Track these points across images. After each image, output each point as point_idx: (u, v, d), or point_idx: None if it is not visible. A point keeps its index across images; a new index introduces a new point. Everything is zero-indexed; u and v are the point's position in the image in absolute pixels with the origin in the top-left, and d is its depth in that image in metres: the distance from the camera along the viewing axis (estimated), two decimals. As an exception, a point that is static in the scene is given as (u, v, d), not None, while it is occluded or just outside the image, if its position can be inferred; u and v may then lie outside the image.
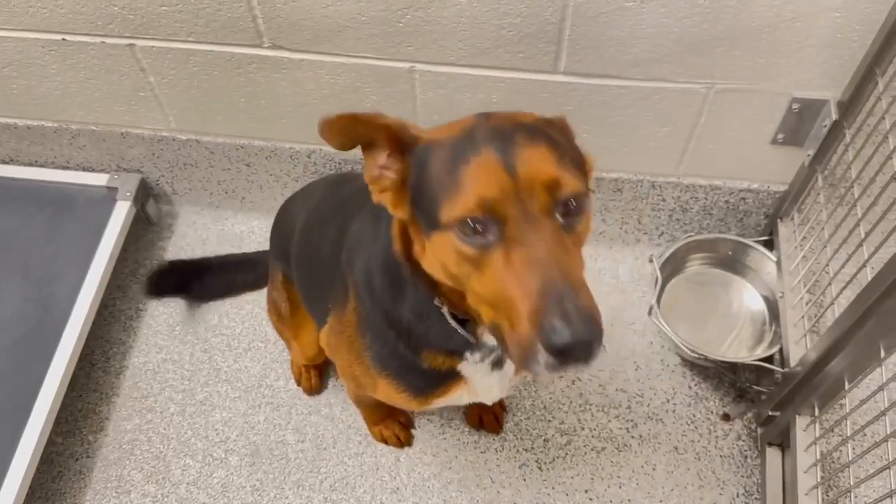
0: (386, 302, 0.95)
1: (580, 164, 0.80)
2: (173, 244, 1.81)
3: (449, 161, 0.74)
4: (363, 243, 1.00)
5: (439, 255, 0.77)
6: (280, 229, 1.40)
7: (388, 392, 1.06)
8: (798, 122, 1.40)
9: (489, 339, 0.94)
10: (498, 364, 0.99)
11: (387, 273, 0.94)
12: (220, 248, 1.79)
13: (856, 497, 1.31)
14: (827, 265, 1.38)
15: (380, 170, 0.82)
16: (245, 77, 1.46)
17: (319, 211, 1.22)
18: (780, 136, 1.43)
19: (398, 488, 1.46)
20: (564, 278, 0.68)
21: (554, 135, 0.78)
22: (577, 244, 0.76)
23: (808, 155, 1.42)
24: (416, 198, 0.79)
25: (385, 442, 1.50)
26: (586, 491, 1.45)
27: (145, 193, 1.76)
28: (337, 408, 1.56)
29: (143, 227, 1.83)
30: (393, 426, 1.49)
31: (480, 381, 1.02)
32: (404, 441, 1.50)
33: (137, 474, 1.50)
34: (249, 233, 1.81)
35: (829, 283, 1.34)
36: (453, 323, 0.91)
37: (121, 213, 1.68)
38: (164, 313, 1.70)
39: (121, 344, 1.67)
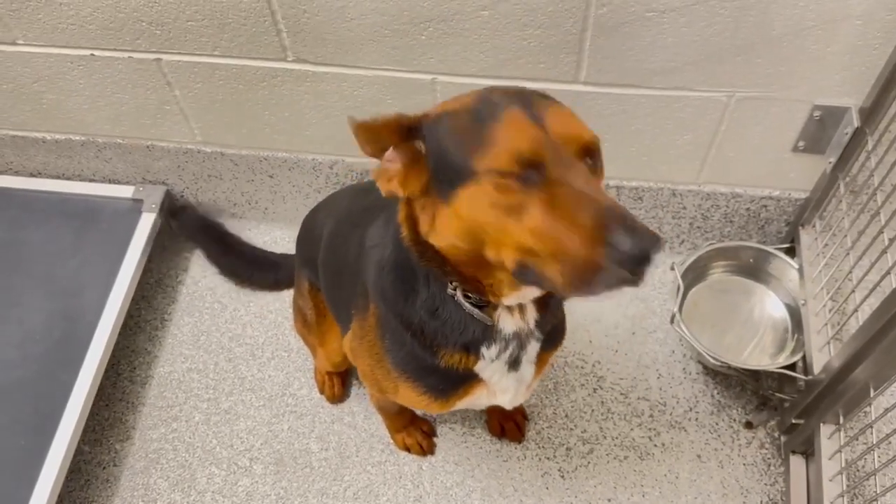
0: (399, 303, 0.96)
1: None
2: (197, 255, 1.83)
3: (472, 122, 0.77)
4: (376, 247, 1.02)
5: (465, 213, 0.78)
6: (306, 238, 1.41)
7: (409, 395, 1.07)
8: (820, 129, 1.40)
9: (506, 324, 0.95)
10: (514, 365, 1.00)
11: (397, 273, 0.95)
12: (243, 258, 1.81)
13: (883, 505, 1.30)
14: (850, 272, 1.38)
15: (385, 163, 0.83)
16: (269, 90, 1.48)
17: (346, 219, 1.23)
18: (802, 143, 1.44)
19: (421, 497, 1.47)
20: (608, 202, 0.71)
21: None
22: None
23: (830, 162, 1.42)
24: (435, 164, 0.80)
25: (408, 450, 1.51)
26: (609, 500, 1.45)
27: (170, 205, 1.78)
28: (360, 416, 1.57)
29: (169, 238, 1.85)
30: (415, 434, 1.50)
31: (498, 383, 1.03)
32: (427, 449, 1.51)
33: (163, 483, 1.52)
34: (272, 243, 1.83)
35: (853, 291, 1.34)
36: (467, 306, 0.91)
37: (146, 224, 1.70)
38: (189, 323, 1.72)
39: (146, 354, 1.69)
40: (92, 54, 1.47)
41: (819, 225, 1.55)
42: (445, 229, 0.81)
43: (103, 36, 1.43)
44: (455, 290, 0.90)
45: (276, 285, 1.74)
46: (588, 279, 0.71)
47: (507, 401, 1.09)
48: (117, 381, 1.65)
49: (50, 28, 1.42)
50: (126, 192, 1.76)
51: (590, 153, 0.79)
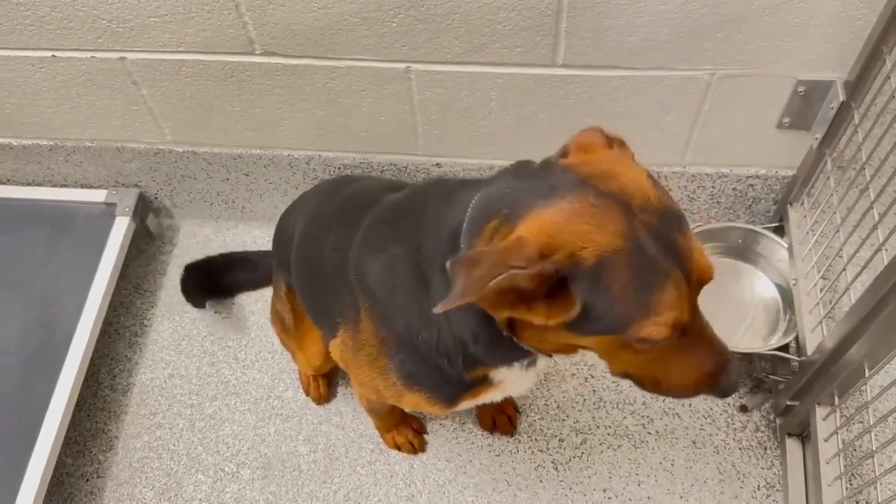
0: (427, 330, 0.92)
1: None
2: (175, 257, 1.79)
3: (633, 283, 0.73)
4: (383, 262, 0.95)
5: (597, 348, 0.83)
6: (280, 240, 1.37)
7: (417, 402, 1.04)
8: (804, 104, 1.36)
9: None
10: (532, 363, 0.98)
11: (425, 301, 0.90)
12: (222, 259, 1.77)
13: (882, 486, 1.28)
14: (840, 250, 1.35)
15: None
16: (239, 85, 1.44)
17: (316, 219, 1.19)
18: (787, 120, 1.40)
19: (413, 496, 1.44)
20: (721, 346, 0.83)
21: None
22: None
23: (816, 138, 1.39)
24: (585, 311, 0.75)
25: (398, 449, 1.48)
26: (604, 490, 1.42)
27: (144, 208, 1.74)
28: (347, 416, 1.54)
29: (145, 242, 1.81)
30: (406, 432, 1.47)
31: (515, 382, 1.02)
32: (418, 447, 1.48)
33: (149, 492, 1.48)
34: (252, 242, 1.79)
35: (844, 268, 1.31)
36: (527, 346, 0.88)
37: (120, 228, 1.66)
38: (169, 328, 1.68)
39: (127, 361, 1.65)
40: (53, 55, 1.43)
41: (807, 202, 1.52)
42: (556, 348, 0.86)
43: (63, 36, 1.38)
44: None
45: (256, 284, 1.70)
46: (681, 398, 0.91)
47: (517, 392, 1.11)
48: (98, 390, 1.61)
49: (7, 30, 1.38)
50: (98, 196, 1.72)
51: None
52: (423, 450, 1.49)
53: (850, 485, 1.27)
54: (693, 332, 0.80)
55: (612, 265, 0.73)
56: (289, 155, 1.60)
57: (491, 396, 1.06)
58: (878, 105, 1.25)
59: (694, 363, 0.82)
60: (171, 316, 1.70)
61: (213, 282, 1.67)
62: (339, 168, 1.62)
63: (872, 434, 1.17)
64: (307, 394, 1.56)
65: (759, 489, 1.41)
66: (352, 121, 1.49)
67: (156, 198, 1.77)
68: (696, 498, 1.41)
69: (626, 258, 0.73)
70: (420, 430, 1.50)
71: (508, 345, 0.87)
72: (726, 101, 1.38)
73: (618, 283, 0.73)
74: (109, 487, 1.49)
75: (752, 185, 1.56)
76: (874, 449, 1.13)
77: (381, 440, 1.50)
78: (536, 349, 0.88)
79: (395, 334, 0.97)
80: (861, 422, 1.38)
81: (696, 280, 0.77)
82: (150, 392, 1.60)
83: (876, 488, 1.19)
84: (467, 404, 1.07)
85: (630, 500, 1.41)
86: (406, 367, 1.00)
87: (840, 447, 1.24)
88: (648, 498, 1.41)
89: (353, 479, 1.47)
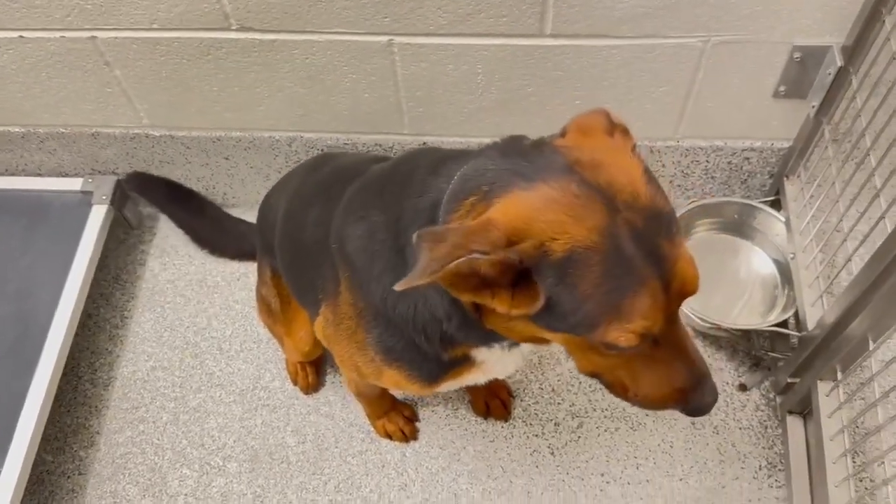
0: (403, 304, 0.88)
1: None
2: (155, 247, 1.73)
3: (603, 284, 0.69)
4: (363, 229, 0.91)
5: (565, 345, 0.79)
6: (263, 225, 1.33)
7: (397, 380, 1.00)
8: (800, 72, 1.32)
9: None
10: (514, 344, 0.93)
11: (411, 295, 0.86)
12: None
13: (889, 463, 1.25)
14: (840, 222, 1.31)
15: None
16: (215, 64, 1.38)
17: (300, 196, 1.15)
18: (783, 88, 1.36)
19: (406, 484, 1.40)
20: (699, 363, 0.78)
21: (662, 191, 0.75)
22: None
23: (813, 106, 1.35)
24: (551, 306, 0.71)
25: (389, 437, 1.44)
26: (602, 474, 1.38)
27: (122, 196, 1.68)
28: (336, 405, 1.49)
29: (124, 232, 1.75)
30: (397, 419, 1.43)
31: (497, 363, 0.98)
32: (409, 435, 1.44)
33: (133, 488, 1.43)
34: (234, 230, 1.74)
35: (844, 241, 1.28)
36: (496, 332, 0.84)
37: (97, 217, 1.61)
38: (150, 319, 1.63)
39: (107, 354, 1.60)
40: (20, 36, 1.37)
41: (804, 175, 1.48)
42: (524, 338, 0.83)
43: (30, 15, 1.32)
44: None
45: (247, 255, 1.65)
46: (656, 409, 0.83)
47: (503, 374, 1.08)
48: (78, 385, 1.56)
49: (-30, 9, 1.32)
50: (74, 184, 1.66)
51: None
52: (414, 438, 1.45)
53: (855, 462, 1.24)
54: (668, 343, 0.76)
55: (583, 262, 0.68)
56: (270, 136, 1.54)
57: (474, 378, 1.02)
58: (878, 70, 1.21)
59: (665, 376, 0.78)
60: (153, 307, 1.65)
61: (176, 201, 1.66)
62: (321, 149, 1.57)
63: (878, 409, 1.13)
64: (295, 383, 1.51)
65: (760, 469, 1.37)
66: (333, 98, 1.44)
67: (133, 185, 1.72)
68: (696, 479, 1.37)
69: (600, 256, 0.68)
70: (412, 418, 1.45)
71: (479, 326, 0.82)
72: (721, 70, 1.34)
73: (587, 281, 0.68)
74: (91, 484, 1.44)
75: (747, 159, 1.52)
76: (881, 424, 1.09)
77: (371, 429, 1.45)
78: (504, 336, 0.83)
79: (372, 306, 0.93)
80: (864, 398, 1.35)
81: (676, 290, 0.72)
82: (132, 385, 1.55)
83: (882, 465, 1.16)
84: (451, 385, 1.02)
85: (629, 483, 1.37)
86: (384, 341, 0.95)
87: (844, 424, 1.21)
88: (647, 481, 1.38)
89: (343, 470, 1.42)
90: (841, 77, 1.28)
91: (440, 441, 1.44)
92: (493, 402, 1.45)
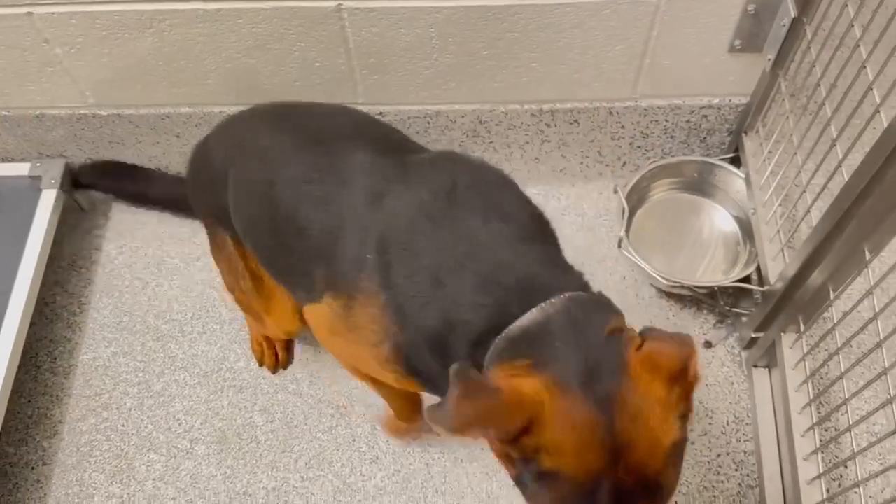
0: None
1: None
2: (110, 230, 1.69)
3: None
4: (414, 287, 0.87)
5: None
6: (204, 182, 1.21)
7: (407, 385, 1.00)
8: (755, 24, 1.32)
9: None
10: None
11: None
12: (162, 229, 1.68)
13: (850, 410, 1.27)
14: (798, 175, 1.32)
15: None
16: (159, 37, 1.34)
17: (272, 161, 1.04)
18: (738, 42, 1.36)
19: (377, 457, 1.39)
20: None
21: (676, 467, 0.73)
22: None
23: (769, 59, 1.35)
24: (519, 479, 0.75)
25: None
26: (573, 437, 1.39)
27: (72, 179, 1.63)
28: (304, 383, 1.48)
29: (77, 216, 1.70)
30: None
31: None
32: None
33: (99, 476, 1.41)
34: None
35: (803, 193, 1.28)
36: None
37: (48, 202, 1.55)
38: (109, 304, 1.59)
39: (66, 342, 1.56)
40: (-49, 15, 1.31)
41: (762, 130, 1.48)
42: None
43: (-41, -9, 1.27)
44: None
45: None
46: None
47: None
48: (37, 374, 1.52)
49: None
50: (22, 169, 1.60)
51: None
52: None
53: (819, 412, 1.25)
54: None
55: (558, 482, 0.70)
56: (220, 112, 1.50)
57: None
58: (831, 19, 1.20)
59: None
60: (111, 292, 1.61)
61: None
62: (276, 123, 1.53)
63: (840, 358, 1.14)
64: (261, 363, 1.49)
65: (728, 424, 1.39)
66: (283, 69, 1.40)
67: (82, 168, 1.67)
68: (665, 437, 1.38)
69: (573, 491, 0.70)
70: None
71: None
72: (676, 26, 1.32)
73: (551, 497, 0.71)
74: (57, 474, 1.41)
75: (705, 116, 1.52)
76: (842, 372, 1.11)
77: (338, 405, 1.44)
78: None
79: (402, 320, 0.89)
80: (826, 349, 1.36)
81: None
82: (93, 372, 1.52)
83: (846, 413, 1.17)
84: None
85: (599, 444, 1.38)
86: (410, 362, 0.92)
87: (808, 374, 1.22)
88: (618, 441, 1.38)
89: (314, 446, 1.41)
90: (795, 28, 1.27)
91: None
92: None
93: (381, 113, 1.50)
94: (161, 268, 1.63)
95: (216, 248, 1.31)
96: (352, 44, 1.34)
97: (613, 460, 0.70)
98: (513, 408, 0.70)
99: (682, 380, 0.73)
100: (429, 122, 1.51)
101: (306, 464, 1.39)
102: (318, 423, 1.43)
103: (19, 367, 1.39)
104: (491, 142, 1.57)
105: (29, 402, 1.49)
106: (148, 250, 1.65)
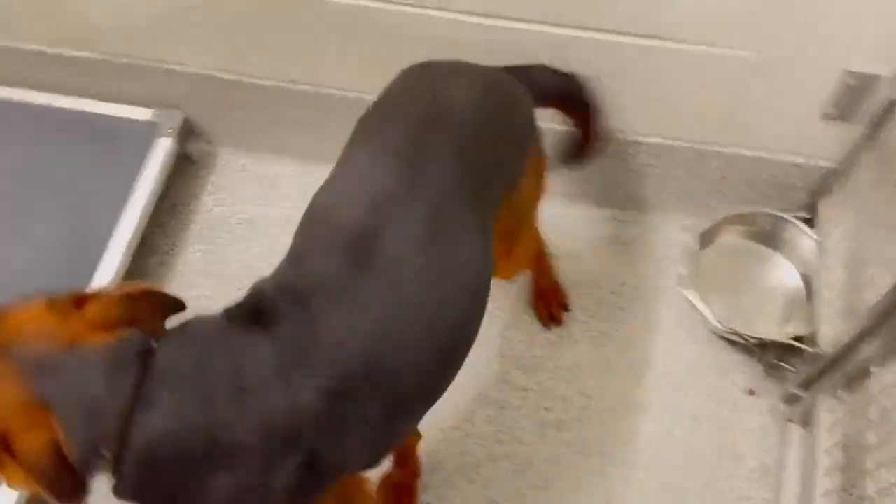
0: None
1: None
2: (212, 183, 1.82)
3: None
4: None
5: None
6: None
7: None
8: (851, 97, 1.35)
9: None
10: None
11: None
12: (257, 189, 1.80)
13: (876, 480, 1.30)
14: (868, 246, 1.35)
15: None
16: (297, 16, 1.44)
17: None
18: (831, 110, 1.39)
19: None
20: None
21: None
22: None
23: (860, 132, 1.38)
24: None
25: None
26: (602, 454, 1.46)
27: (187, 131, 1.77)
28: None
29: (184, 165, 1.84)
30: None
31: None
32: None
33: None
34: (286, 176, 1.82)
35: (869, 266, 1.31)
36: None
37: (162, 150, 1.69)
38: (199, 251, 1.73)
39: (157, 278, 1.70)
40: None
41: (841, 196, 1.51)
42: None
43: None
44: None
45: None
46: None
47: None
48: (127, 303, 1.66)
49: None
50: (144, 114, 1.74)
51: None
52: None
53: (845, 475, 1.29)
54: None
55: None
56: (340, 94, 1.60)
57: None
58: (927, 105, 1.23)
59: None
60: (202, 241, 1.74)
61: None
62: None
63: (875, 429, 1.18)
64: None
65: (753, 471, 1.43)
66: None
67: (198, 123, 1.80)
68: (691, 468, 1.44)
69: None
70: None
71: None
72: (771, 85, 1.37)
73: None
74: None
75: (787, 173, 1.55)
76: (874, 443, 1.15)
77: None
78: None
79: None
80: (865, 417, 1.39)
81: None
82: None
83: (871, 480, 1.21)
84: None
85: (625, 464, 1.45)
86: None
87: (840, 438, 1.26)
88: (645, 467, 1.45)
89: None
90: (889, 107, 1.30)
91: (452, 405, 1.50)
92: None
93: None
94: (252, 226, 1.76)
95: None
96: None
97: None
98: None
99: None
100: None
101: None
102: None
103: (116, 294, 1.53)
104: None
105: (116, 326, 1.64)
106: (244, 207, 1.78)
